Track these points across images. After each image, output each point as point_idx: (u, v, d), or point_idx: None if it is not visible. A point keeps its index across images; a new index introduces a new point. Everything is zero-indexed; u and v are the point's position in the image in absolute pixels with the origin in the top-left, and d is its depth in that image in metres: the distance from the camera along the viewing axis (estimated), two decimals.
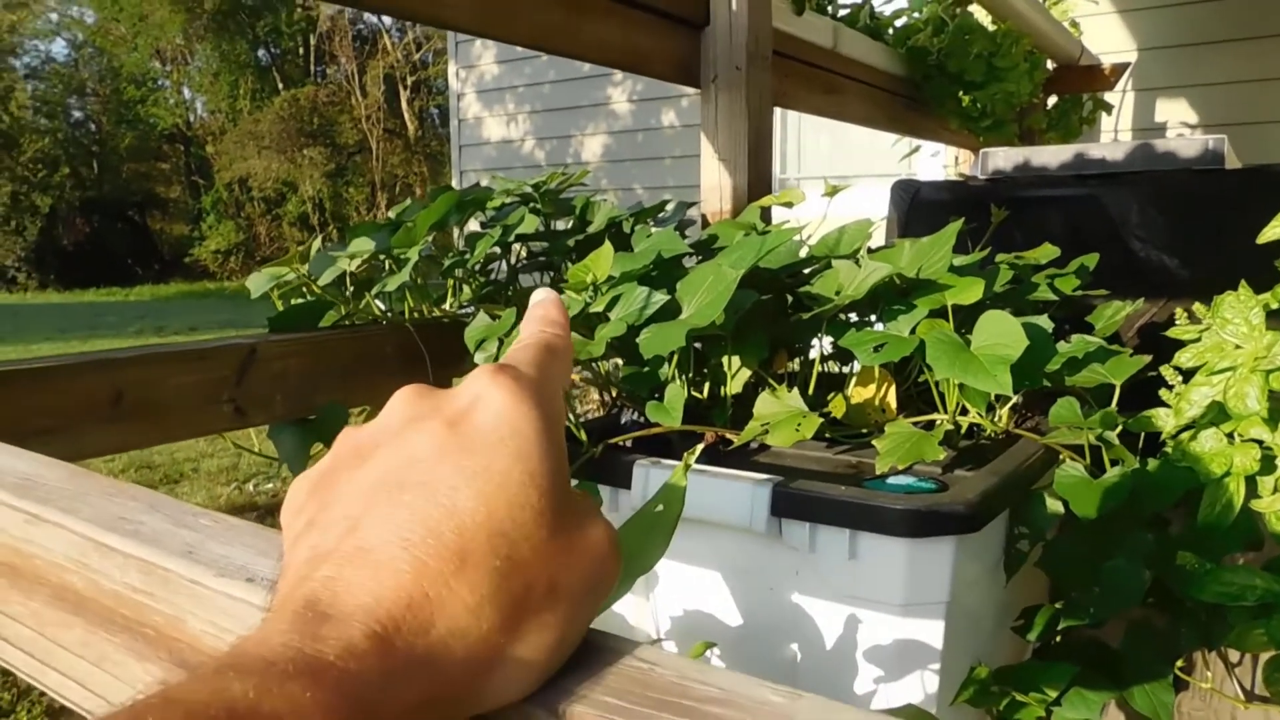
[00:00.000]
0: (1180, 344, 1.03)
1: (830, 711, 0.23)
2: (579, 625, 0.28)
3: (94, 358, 0.90)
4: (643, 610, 0.98)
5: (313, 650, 0.23)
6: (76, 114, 21.30)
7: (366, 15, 18.91)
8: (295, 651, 0.23)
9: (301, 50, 20.48)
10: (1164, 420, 0.98)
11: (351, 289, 1.18)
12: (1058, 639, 0.95)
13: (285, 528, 0.29)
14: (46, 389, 0.84)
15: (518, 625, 0.25)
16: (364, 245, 1.13)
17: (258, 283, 1.18)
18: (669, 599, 0.96)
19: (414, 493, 0.26)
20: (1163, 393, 0.99)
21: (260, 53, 20.72)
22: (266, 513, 3.61)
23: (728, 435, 0.98)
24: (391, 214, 1.27)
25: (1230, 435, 0.92)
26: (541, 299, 0.35)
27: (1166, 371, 0.98)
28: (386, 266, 1.22)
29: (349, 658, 0.23)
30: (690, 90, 1.60)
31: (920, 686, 0.83)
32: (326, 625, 0.23)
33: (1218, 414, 0.92)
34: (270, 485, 3.96)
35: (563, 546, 0.27)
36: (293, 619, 0.24)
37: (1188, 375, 0.99)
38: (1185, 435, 0.95)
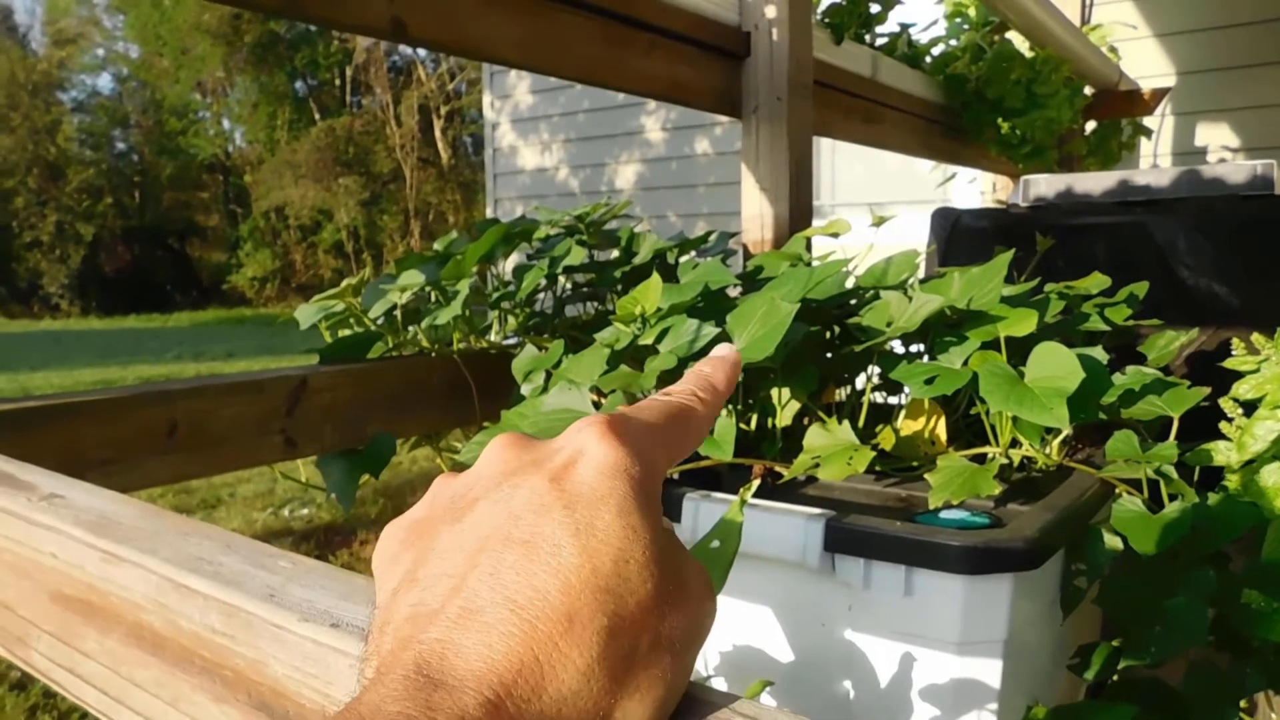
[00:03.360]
0: (1234, 375, 1.01)
1: None
2: (683, 676, 0.27)
3: (150, 389, 0.91)
4: None
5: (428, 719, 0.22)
6: (120, 145, 21.86)
7: (402, 47, 19.26)
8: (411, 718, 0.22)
9: (338, 81, 20.87)
10: (1224, 454, 0.96)
11: (400, 321, 1.19)
12: (1115, 678, 0.93)
13: (379, 575, 0.29)
14: (105, 421, 0.86)
15: (626, 683, 0.25)
16: (414, 278, 1.14)
17: (307, 314, 1.19)
18: (718, 634, 0.95)
19: (518, 551, 0.26)
20: (1223, 425, 0.97)
21: (298, 84, 21.15)
22: (301, 538, 3.63)
23: (777, 468, 0.97)
24: (438, 245, 1.29)
25: None
26: (721, 354, 0.34)
27: (1226, 404, 0.96)
28: (432, 298, 1.23)
29: None
30: (724, 118, 1.60)
31: None
32: (439, 693, 0.23)
33: None
34: (305, 511, 3.99)
35: (666, 598, 0.26)
36: (404, 685, 0.23)
37: (1248, 408, 0.97)
38: (1247, 470, 0.93)
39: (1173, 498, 0.91)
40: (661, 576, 0.26)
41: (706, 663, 0.96)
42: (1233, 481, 0.94)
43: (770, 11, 1.51)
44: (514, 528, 0.26)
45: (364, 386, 1.07)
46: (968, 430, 1.06)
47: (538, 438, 0.30)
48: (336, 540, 3.62)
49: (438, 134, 18.58)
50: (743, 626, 0.93)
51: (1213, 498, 0.92)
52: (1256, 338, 1.01)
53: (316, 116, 20.08)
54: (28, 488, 0.51)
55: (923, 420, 1.02)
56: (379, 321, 1.19)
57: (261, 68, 20.32)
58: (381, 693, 0.23)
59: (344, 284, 1.13)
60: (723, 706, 0.27)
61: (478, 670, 0.23)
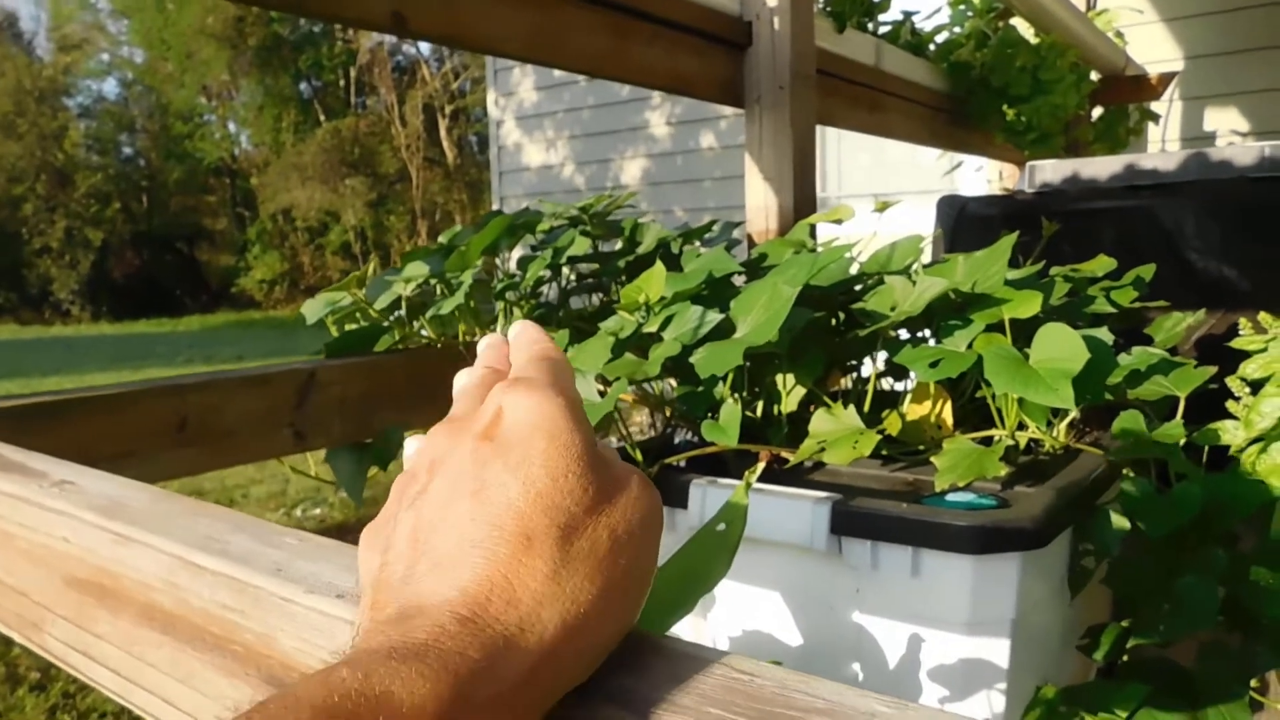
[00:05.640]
0: (1241, 357, 1.00)
1: None
2: (647, 564, 0.30)
3: (160, 384, 0.92)
4: (701, 630, 0.97)
5: (410, 638, 0.24)
6: (127, 150, 21.95)
7: (406, 47, 19.29)
8: (395, 640, 0.24)
9: (342, 83, 20.91)
10: (1231, 433, 0.96)
11: (405, 313, 1.20)
12: (1125, 658, 0.93)
13: (361, 576, 0.32)
14: (117, 415, 0.87)
15: (592, 571, 0.27)
16: (419, 270, 1.14)
17: (313, 308, 1.20)
18: (726, 619, 0.95)
19: (470, 501, 0.28)
20: (1230, 404, 0.97)
21: (302, 86, 21.20)
22: None
23: (783, 454, 0.97)
24: (443, 239, 1.29)
25: None
26: (516, 329, 0.37)
27: (1233, 383, 0.96)
28: (438, 291, 1.24)
29: (444, 638, 0.24)
30: (729, 111, 1.61)
31: (987, 706, 0.82)
32: (417, 619, 0.25)
33: None
34: (317, 511, 4.00)
35: (605, 495, 0.29)
36: (385, 625, 0.26)
37: (1255, 387, 0.97)
38: (1255, 448, 0.93)
39: (1180, 477, 0.90)
40: (598, 479, 0.29)
41: (715, 646, 0.96)
42: (1241, 460, 0.94)
43: (771, 1, 1.51)
44: (462, 485, 0.29)
45: (372, 379, 1.08)
46: (974, 414, 1.06)
47: (460, 414, 0.33)
48: (349, 539, 3.63)
49: (443, 133, 18.60)
50: (752, 610, 0.93)
51: (1221, 477, 0.91)
52: (1264, 317, 1.01)
53: (322, 118, 20.12)
54: (39, 475, 0.52)
55: (928, 404, 1.02)
56: (386, 315, 1.20)
57: (266, 70, 20.37)
58: (367, 636, 0.25)
59: (349, 277, 1.13)
60: (723, 664, 0.27)
61: (450, 597, 0.26)
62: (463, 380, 0.36)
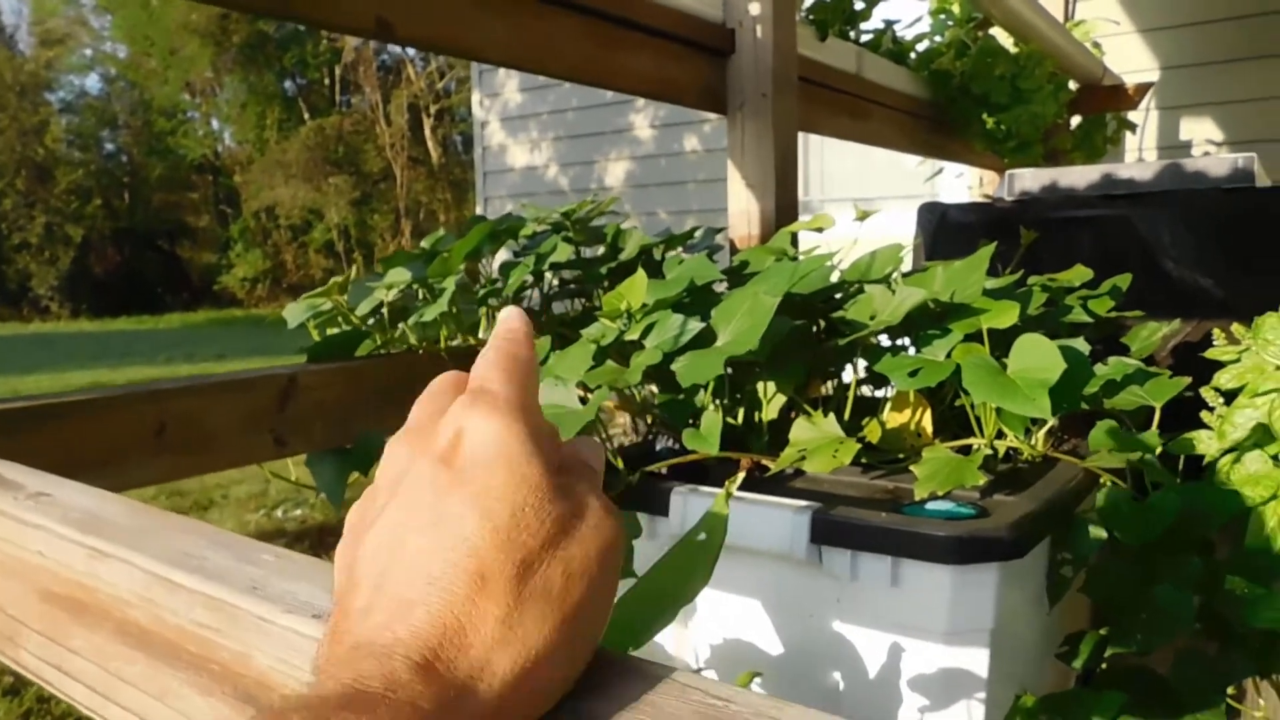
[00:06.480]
0: (1217, 365, 1.02)
1: None
2: (605, 596, 0.29)
3: (138, 390, 0.91)
4: (683, 640, 0.97)
5: (362, 686, 0.24)
6: (109, 146, 21.76)
7: (391, 46, 19.21)
8: (347, 687, 0.24)
9: (327, 81, 20.81)
10: (1206, 443, 0.97)
11: (387, 318, 1.19)
12: (1103, 666, 0.94)
13: (335, 588, 0.32)
14: (94, 421, 0.86)
15: (546, 610, 0.27)
16: (401, 275, 1.14)
17: (295, 312, 1.19)
18: (707, 627, 0.95)
19: (428, 535, 0.28)
20: (1204, 415, 0.98)
21: (287, 84, 21.08)
22: (295, 539, 3.63)
23: (764, 462, 0.97)
24: (425, 243, 1.29)
25: (1275, 457, 0.91)
26: (504, 313, 0.36)
27: (1208, 393, 0.97)
28: (420, 295, 1.23)
29: (396, 688, 0.24)
30: (713, 115, 1.61)
31: (966, 715, 0.82)
32: (370, 663, 0.25)
33: (1262, 435, 0.90)
34: (298, 512, 3.98)
35: (565, 528, 0.29)
36: (341, 665, 0.25)
37: (1229, 397, 0.98)
38: (1229, 458, 0.94)
39: (1156, 486, 0.91)
40: (558, 512, 0.29)
41: (697, 655, 0.96)
42: (1215, 470, 0.95)
43: (754, 8, 1.52)
44: (420, 515, 0.29)
45: (353, 384, 1.08)
46: (954, 422, 1.06)
47: (420, 426, 0.32)
48: (330, 541, 3.61)
49: (428, 133, 18.54)
50: (731, 619, 0.93)
51: (1196, 486, 0.92)
52: (1237, 328, 1.02)
53: (306, 116, 20.02)
54: (15, 486, 0.52)
55: (908, 413, 1.02)
56: (368, 320, 1.19)
57: (250, 67, 20.24)
58: (323, 678, 0.25)
59: (331, 282, 1.13)
60: (698, 690, 0.27)
61: (403, 639, 0.26)
62: (430, 386, 0.35)
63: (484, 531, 0.27)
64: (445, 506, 0.28)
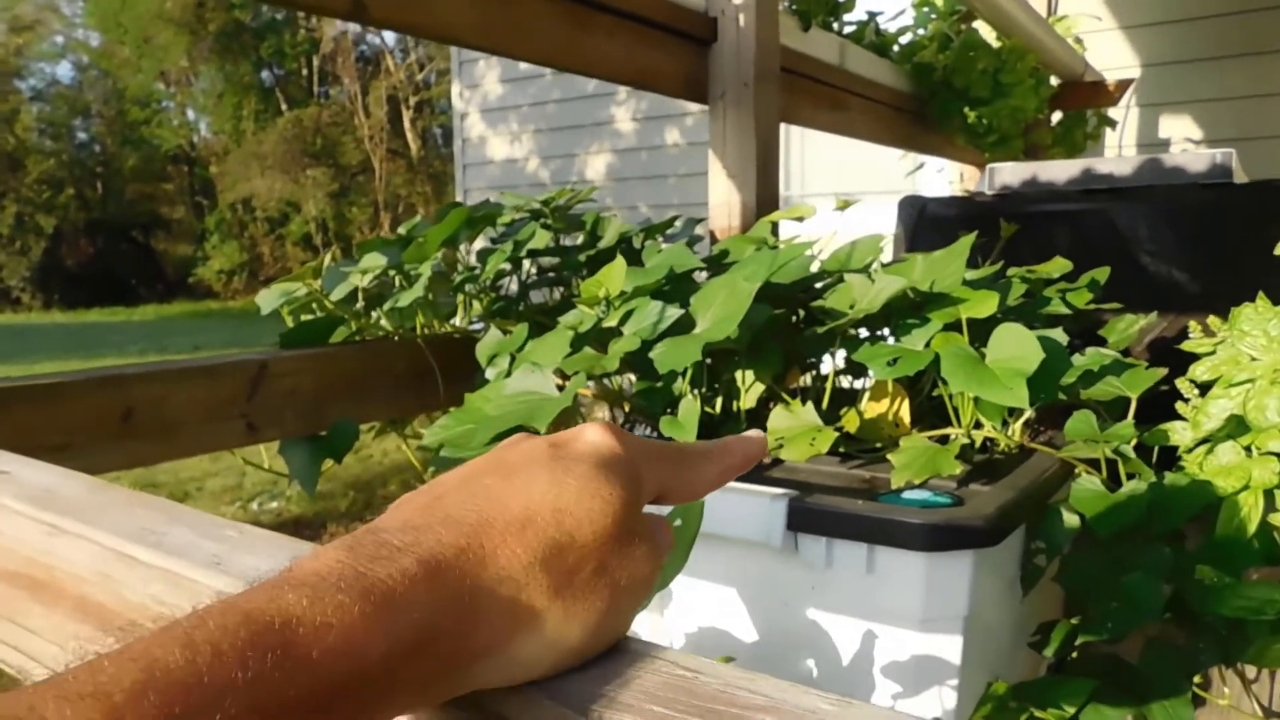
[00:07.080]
0: (1193, 359, 1.02)
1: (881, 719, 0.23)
2: (621, 618, 0.30)
3: (104, 374, 0.90)
4: (659, 627, 0.97)
5: (365, 569, 0.25)
6: (81, 135, 21.44)
7: (370, 36, 19.07)
8: (348, 569, 0.25)
9: (305, 71, 20.61)
10: (1180, 434, 0.97)
11: (362, 305, 1.18)
12: (1074, 654, 0.94)
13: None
14: (58, 406, 0.84)
15: (564, 595, 0.28)
16: (376, 261, 1.13)
17: (268, 299, 1.18)
18: (683, 615, 0.95)
19: (495, 477, 0.30)
20: (1179, 406, 0.99)
21: (264, 74, 20.85)
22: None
23: None
24: (402, 230, 1.27)
25: (1248, 449, 0.91)
26: (751, 436, 0.38)
27: (1183, 385, 0.98)
28: (396, 282, 1.22)
29: (398, 580, 0.25)
30: (694, 108, 1.60)
31: (938, 702, 0.82)
32: (382, 551, 0.25)
33: (1236, 427, 0.91)
34: (275, 504, 3.95)
35: (622, 541, 0.29)
36: (351, 545, 0.26)
37: (1204, 388, 0.98)
38: (1202, 449, 0.95)
39: (1131, 477, 0.92)
40: (619, 527, 0.29)
41: (672, 643, 0.96)
42: (1189, 461, 0.96)
43: None
44: (502, 468, 0.30)
45: (326, 371, 1.06)
46: (932, 412, 1.07)
47: (506, 423, 0.34)
48: (306, 533, 3.58)
49: (407, 125, 18.42)
50: (707, 607, 0.93)
51: (1169, 477, 0.93)
52: (1213, 320, 1.03)
53: (283, 107, 19.81)
54: None
55: (886, 402, 1.02)
56: (341, 305, 1.18)
57: (226, 57, 20.00)
58: (327, 550, 0.26)
59: (305, 267, 1.11)
60: (668, 661, 0.27)
61: (425, 542, 0.26)
62: None
63: (548, 496, 0.28)
64: (527, 467, 0.30)
